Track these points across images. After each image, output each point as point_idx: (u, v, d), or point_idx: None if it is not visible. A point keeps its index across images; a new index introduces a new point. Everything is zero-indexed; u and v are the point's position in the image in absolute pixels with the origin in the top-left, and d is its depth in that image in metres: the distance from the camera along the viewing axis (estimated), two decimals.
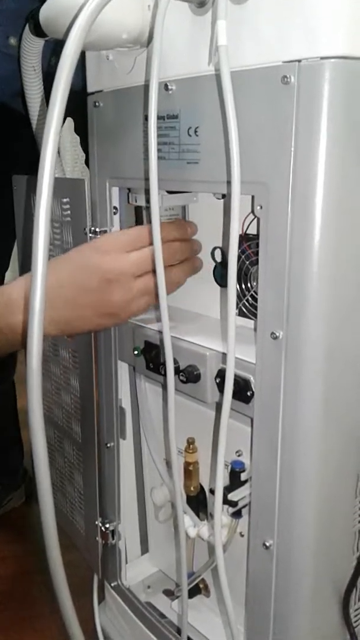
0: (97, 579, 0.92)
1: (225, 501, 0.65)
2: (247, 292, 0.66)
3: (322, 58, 0.47)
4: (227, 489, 0.65)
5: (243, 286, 0.66)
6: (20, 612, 1.14)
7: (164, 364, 0.62)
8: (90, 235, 0.71)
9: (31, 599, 1.17)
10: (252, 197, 0.54)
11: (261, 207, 0.53)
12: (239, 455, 0.68)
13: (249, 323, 0.67)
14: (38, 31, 0.70)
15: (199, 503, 0.75)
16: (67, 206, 0.75)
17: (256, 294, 0.63)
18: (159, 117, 0.60)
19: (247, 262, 0.65)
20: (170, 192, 0.70)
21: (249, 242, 0.65)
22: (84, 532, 0.88)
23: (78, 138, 0.96)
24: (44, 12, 0.59)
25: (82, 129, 0.75)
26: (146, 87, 0.62)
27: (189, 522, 0.73)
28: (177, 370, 0.65)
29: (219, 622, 0.78)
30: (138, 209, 0.75)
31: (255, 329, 0.63)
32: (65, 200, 0.75)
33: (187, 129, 0.59)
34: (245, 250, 0.65)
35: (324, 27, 0.46)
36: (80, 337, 0.78)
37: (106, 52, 0.67)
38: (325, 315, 0.52)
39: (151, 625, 0.81)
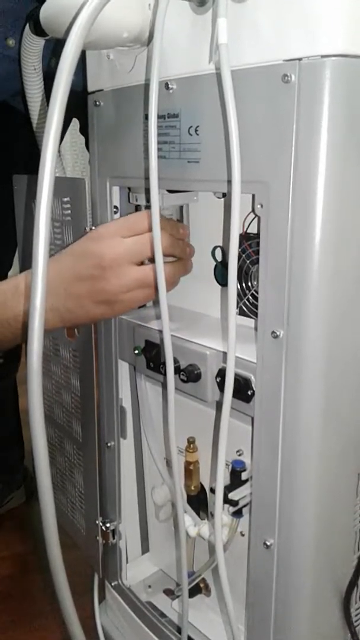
0: (97, 579, 0.92)
1: (226, 500, 0.65)
2: (247, 291, 0.66)
3: (322, 56, 0.47)
4: (228, 488, 0.65)
5: (243, 285, 0.66)
6: (21, 611, 1.14)
7: (164, 363, 0.62)
8: None
9: (32, 598, 1.17)
10: (253, 195, 0.54)
11: (262, 206, 0.53)
12: (239, 455, 0.68)
13: (250, 322, 0.67)
14: (38, 30, 0.70)
15: (199, 502, 0.75)
16: (68, 205, 0.75)
17: (257, 293, 0.63)
18: (160, 116, 0.60)
19: (248, 261, 0.65)
20: (170, 191, 0.69)
21: (250, 241, 0.65)
22: (85, 532, 0.88)
23: (79, 138, 0.96)
24: (45, 11, 0.59)
25: (87, 130, 0.75)
26: (147, 86, 0.62)
27: (189, 521, 0.73)
28: (178, 370, 0.65)
29: (219, 621, 0.78)
30: (139, 208, 0.75)
31: (255, 328, 0.63)
32: (65, 199, 0.75)
33: (187, 128, 0.59)
34: (245, 249, 0.65)
35: (325, 25, 0.46)
36: (80, 336, 0.78)
37: (106, 51, 0.67)
38: (326, 314, 0.52)
39: (152, 624, 0.81)
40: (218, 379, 0.63)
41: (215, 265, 0.71)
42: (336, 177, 0.49)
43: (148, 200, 0.67)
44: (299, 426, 0.54)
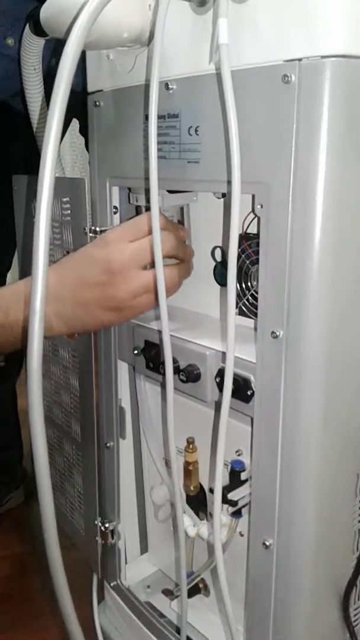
0: (96, 579, 0.92)
1: (225, 501, 0.65)
2: (247, 292, 0.66)
3: (322, 57, 0.47)
4: (227, 489, 0.65)
5: (243, 285, 0.66)
6: (20, 612, 1.14)
7: (163, 363, 0.62)
8: (90, 235, 0.71)
9: (31, 598, 1.17)
10: (253, 196, 0.54)
11: (261, 206, 0.53)
12: (238, 455, 0.68)
13: (249, 322, 0.67)
14: (38, 30, 0.70)
15: (198, 502, 0.75)
16: (67, 205, 0.75)
17: (256, 293, 0.63)
18: (160, 117, 0.60)
19: (248, 262, 0.65)
20: (170, 192, 0.70)
21: (249, 242, 0.65)
22: (84, 532, 0.88)
23: (78, 138, 0.96)
24: (45, 11, 0.59)
25: (86, 131, 0.75)
26: (147, 87, 0.62)
27: (188, 521, 0.73)
28: (177, 370, 0.65)
29: (218, 621, 0.78)
30: (139, 209, 0.75)
31: (255, 328, 0.63)
32: (65, 199, 0.75)
33: (187, 128, 0.59)
34: (245, 249, 0.65)
35: (325, 25, 0.46)
36: (79, 336, 0.78)
37: (106, 51, 0.67)
38: (326, 314, 0.52)
39: (150, 624, 0.80)
40: (217, 379, 0.63)
41: (215, 266, 0.72)
42: (336, 177, 0.49)
43: (148, 200, 0.67)
44: (299, 426, 0.55)
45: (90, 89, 0.72)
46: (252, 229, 0.64)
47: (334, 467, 0.57)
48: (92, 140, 0.74)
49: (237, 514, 0.67)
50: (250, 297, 0.66)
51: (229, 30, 0.50)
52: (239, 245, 0.61)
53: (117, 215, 0.74)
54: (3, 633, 1.10)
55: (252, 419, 0.59)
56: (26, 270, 0.91)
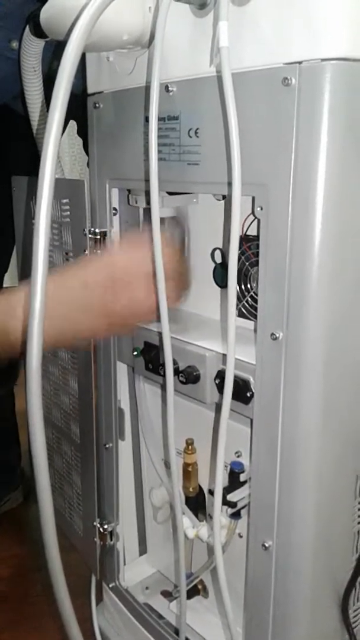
0: (95, 580, 0.92)
1: (224, 502, 0.65)
2: (246, 293, 0.66)
3: (322, 60, 0.47)
4: (226, 490, 0.65)
5: (243, 287, 0.66)
6: (19, 612, 1.14)
7: (163, 364, 0.62)
8: (90, 236, 0.71)
9: (30, 599, 1.17)
10: (253, 198, 0.55)
11: (261, 208, 0.53)
12: (238, 456, 0.68)
13: (249, 324, 0.67)
14: (38, 32, 0.70)
15: (197, 504, 0.75)
16: (67, 207, 0.75)
17: (256, 295, 0.63)
18: (160, 118, 0.60)
19: (247, 263, 0.66)
20: (170, 193, 0.70)
21: (249, 243, 0.65)
22: (82, 533, 0.88)
23: (76, 139, 0.96)
24: (45, 13, 0.59)
25: (84, 132, 0.75)
26: (147, 89, 0.62)
27: (187, 523, 0.73)
28: (177, 371, 0.65)
29: (217, 623, 0.78)
30: (137, 210, 0.75)
31: (255, 330, 0.63)
32: (64, 200, 0.75)
33: (187, 130, 0.59)
34: (245, 251, 0.65)
35: (325, 29, 0.47)
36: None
37: (106, 53, 0.67)
38: (325, 316, 0.52)
39: (149, 626, 0.80)
40: (217, 381, 0.63)
41: (215, 267, 0.72)
42: (336, 180, 0.49)
43: (148, 202, 0.67)
44: (298, 428, 0.55)
45: (90, 90, 0.72)
46: (252, 231, 0.64)
47: (333, 468, 0.58)
48: (91, 142, 0.74)
49: (236, 515, 0.67)
50: (249, 299, 0.66)
51: (229, 32, 0.50)
52: (239, 247, 0.61)
53: (117, 216, 0.74)
54: (1, 633, 1.10)
55: (251, 421, 0.59)
56: (26, 272, 0.91)
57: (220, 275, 0.71)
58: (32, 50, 0.75)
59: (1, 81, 0.86)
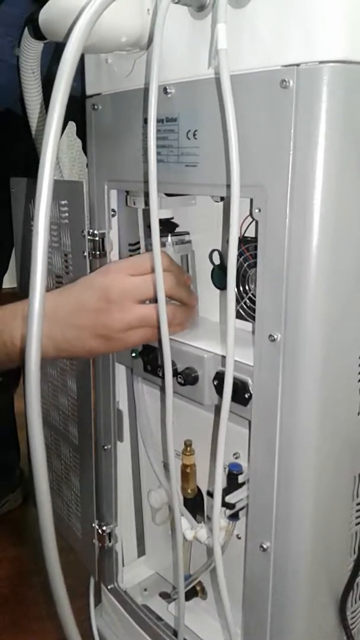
0: (93, 582, 0.92)
1: (223, 503, 0.65)
2: (244, 295, 0.66)
3: (320, 62, 0.47)
4: (225, 492, 0.65)
5: (241, 289, 0.67)
6: (18, 614, 1.14)
7: (162, 366, 0.63)
8: (89, 237, 0.72)
9: (28, 601, 1.17)
10: (251, 200, 0.55)
11: (259, 210, 0.53)
12: (236, 458, 0.68)
13: (247, 325, 0.67)
14: (37, 34, 0.70)
15: (196, 505, 0.75)
16: (66, 208, 0.75)
17: (254, 296, 0.63)
18: (158, 120, 0.60)
19: (245, 265, 0.66)
20: (168, 195, 0.70)
21: (247, 245, 0.65)
22: (81, 535, 0.88)
23: (75, 141, 0.96)
24: (44, 15, 0.59)
25: (84, 134, 0.75)
26: (145, 90, 0.62)
27: (186, 524, 0.73)
28: (175, 373, 0.65)
29: (215, 624, 0.78)
30: (135, 211, 0.75)
31: (253, 332, 0.63)
32: (63, 202, 0.75)
33: (186, 132, 0.59)
34: (243, 252, 0.65)
35: (323, 31, 0.47)
36: None
37: (105, 55, 0.68)
38: (323, 317, 0.52)
39: (148, 627, 0.80)
40: (215, 382, 0.63)
41: (213, 269, 0.72)
42: (333, 182, 0.49)
43: (146, 203, 0.67)
44: (296, 429, 0.55)
45: (88, 92, 0.72)
46: (250, 233, 0.64)
47: (331, 469, 0.58)
48: (90, 144, 0.74)
49: (234, 516, 0.67)
50: (247, 301, 0.66)
51: (227, 35, 0.50)
52: (237, 249, 0.61)
53: (115, 218, 0.74)
54: (0, 635, 1.10)
55: (249, 422, 0.59)
56: (25, 274, 0.91)
57: (218, 277, 0.71)
58: (30, 52, 0.75)
59: (5, 87, 0.86)
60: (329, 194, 0.49)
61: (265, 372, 0.56)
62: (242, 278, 0.66)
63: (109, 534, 0.84)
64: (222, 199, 0.67)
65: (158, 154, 0.61)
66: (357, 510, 0.63)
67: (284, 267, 0.52)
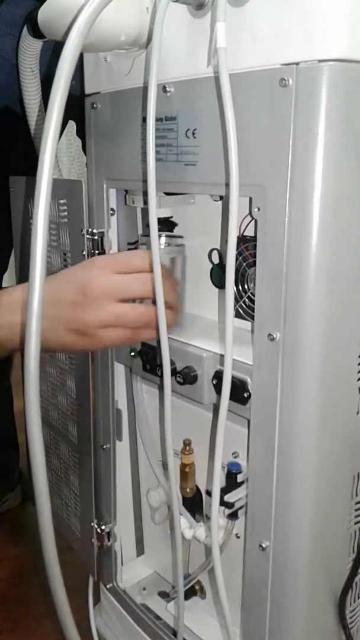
0: (92, 581, 0.92)
1: (222, 503, 0.65)
2: (244, 294, 0.66)
3: (320, 61, 0.47)
4: (224, 491, 0.65)
5: (240, 288, 0.66)
6: (17, 614, 1.14)
7: (160, 365, 0.62)
8: (88, 236, 0.71)
9: (27, 600, 1.17)
10: (250, 199, 0.55)
11: (259, 209, 0.53)
12: (235, 457, 0.68)
13: (246, 325, 0.67)
14: (36, 32, 0.70)
15: (195, 505, 0.75)
16: (65, 207, 0.75)
17: (253, 295, 0.63)
18: (157, 119, 0.60)
19: (244, 264, 0.66)
20: (167, 194, 0.70)
21: (246, 244, 0.65)
22: (80, 534, 0.88)
23: (75, 140, 0.96)
24: (43, 13, 0.59)
25: (83, 133, 0.75)
26: (144, 89, 0.62)
27: (185, 523, 0.73)
28: (174, 372, 0.65)
29: (214, 623, 0.78)
30: (135, 210, 0.75)
31: (252, 331, 0.63)
32: (62, 201, 0.75)
33: (185, 131, 0.59)
34: (242, 252, 0.65)
35: (322, 30, 0.47)
36: None
37: (104, 54, 0.67)
38: (322, 316, 0.52)
39: (147, 627, 0.80)
40: (214, 382, 0.63)
41: (212, 268, 0.72)
42: (333, 180, 0.49)
43: (145, 202, 0.67)
44: (295, 428, 0.55)
45: (87, 91, 0.72)
46: (249, 232, 0.64)
47: (330, 468, 0.58)
48: (89, 143, 0.74)
49: (233, 516, 0.67)
50: (247, 300, 0.66)
51: (226, 33, 0.50)
52: (236, 248, 0.61)
53: (114, 217, 0.74)
54: (0, 634, 1.10)
55: (248, 421, 0.59)
56: (24, 272, 0.90)
57: (217, 275, 0.71)
58: (29, 50, 0.75)
59: (6, 85, 0.86)
60: (328, 192, 0.49)
61: (265, 371, 0.56)
62: (242, 277, 0.66)
63: (108, 533, 0.84)
64: (221, 198, 0.67)
65: (157, 152, 0.61)
66: (356, 510, 0.63)
67: (283, 266, 0.52)
